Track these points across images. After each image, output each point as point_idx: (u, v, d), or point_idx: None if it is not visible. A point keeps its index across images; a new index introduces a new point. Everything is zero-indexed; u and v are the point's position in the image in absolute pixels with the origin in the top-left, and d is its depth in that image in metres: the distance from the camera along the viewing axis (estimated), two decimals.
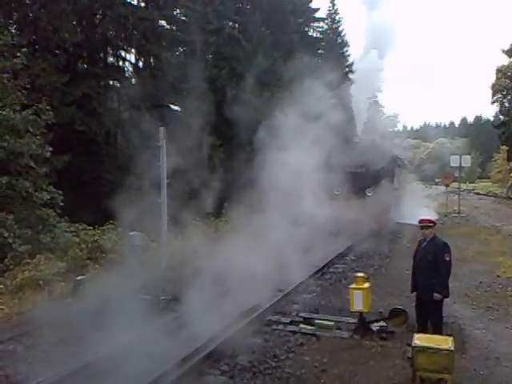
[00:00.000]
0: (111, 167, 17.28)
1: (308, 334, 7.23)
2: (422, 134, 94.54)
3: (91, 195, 15.35)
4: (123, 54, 20.56)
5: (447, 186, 28.59)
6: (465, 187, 49.79)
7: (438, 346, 5.22)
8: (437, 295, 6.24)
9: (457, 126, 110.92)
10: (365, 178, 17.68)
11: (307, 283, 10.35)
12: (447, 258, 6.29)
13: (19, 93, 12.28)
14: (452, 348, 5.21)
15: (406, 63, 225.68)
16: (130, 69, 21.05)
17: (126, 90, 18.25)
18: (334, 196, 16.92)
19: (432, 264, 6.33)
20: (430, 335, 5.61)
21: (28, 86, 12.76)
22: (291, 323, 7.74)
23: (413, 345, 5.34)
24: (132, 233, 11.11)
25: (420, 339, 5.41)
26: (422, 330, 6.19)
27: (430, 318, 6.43)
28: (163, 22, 21.20)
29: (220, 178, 14.46)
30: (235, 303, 8.00)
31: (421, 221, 6.59)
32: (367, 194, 17.73)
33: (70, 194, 12.92)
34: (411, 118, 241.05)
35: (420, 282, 6.52)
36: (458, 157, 26.54)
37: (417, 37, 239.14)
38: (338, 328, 7.43)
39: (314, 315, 8.04)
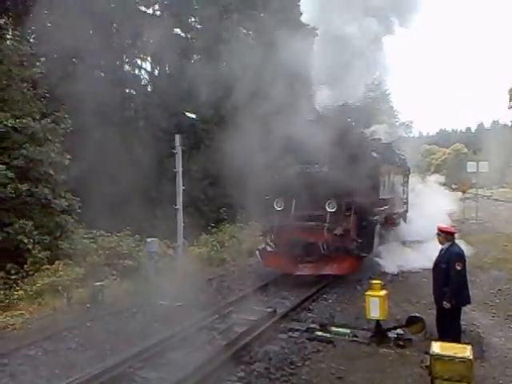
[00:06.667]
0: (128, 174, 17.49)
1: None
2: (437, 139, 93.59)
3: (108, 202, 15.56)
4: (139, 62, 20.90)
5: (464, 192, 28.26)
6: (482, 193, 49.10)
7: (456, 355, 5.16)
8: (445, 303, 6.24)
9: (473, 131, 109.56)
10: (325, 183, 10.60)
11: None
12: (458, 268, 6.24)
13: (38, 102, 12.55)
14: (470, 356, 5.15)
15: (421, 69, 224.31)
16: (146, 77, 21.35)
17: (142, 98, 18.50)
18: (273, 213, 11.38)
19: (445, 272, 6.32)
20: (448, 343, 5.56)
21: (47, 95, 13.03)
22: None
23: (431, 353, 5.29)
24: (149, 239, 11.23)
25: (438, 347, 5.36)
26: (442, 337, 6.14)
27: (448, 326, 6.39)
28: (178, 30, 21.48)
29: None
30: None
31: (437, 228, 6.62)
32: (328, 209, 10.76)
33: (87, 201, 13.10)
34: (427, 124, 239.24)
35: (435, 289, 6.53)
36: (475, 163, 26.25)
37: (432, 42, 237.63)
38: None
39: None
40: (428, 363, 5.37)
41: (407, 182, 18.06)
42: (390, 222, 14.13)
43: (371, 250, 11.36)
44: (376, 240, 11.59)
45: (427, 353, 5.50)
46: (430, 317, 7.10)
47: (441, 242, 6.54)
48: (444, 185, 25.35)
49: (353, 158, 10.75)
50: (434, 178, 25.28)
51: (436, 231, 6.62)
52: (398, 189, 15.88)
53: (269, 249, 11.35)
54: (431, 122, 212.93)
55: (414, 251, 13.31)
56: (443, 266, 6.36)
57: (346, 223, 10.78)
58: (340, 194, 10.78)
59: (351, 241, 10.75)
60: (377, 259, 12.06)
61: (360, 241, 10.90)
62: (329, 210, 10.76)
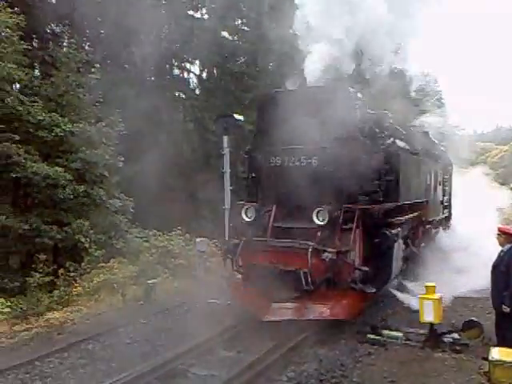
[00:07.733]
0: (177, 175, 17.88)
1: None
2: (493, 137, 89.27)
3: (159, 202, 15.98)
4: (188, 65, 21.32)
5: None
6: None
7: None
8: (505, 307, 5.95)
9: None
10: (313, 182, 7.33)
11: None
12: None
13: (94, 106, 13.09)
14: None
15: (474, 64, 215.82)
16: (195, 80, 21.74)
17: (191, 101, 18.86)
18: (240, 225, 8.21)
19: (505, 275, 6.04)
20: (508, 349, 5.32)
21: (101, 100, 13.57)
22: None
23: (490, 359, 5.10)
24: (198, 239, 11.45)
25: (498, 353, 5.17)
26: (501, 343, 5.88)
27: (508, 331, 6.11)
28: (225, 33, 21.73)
29: None
30: None
31: (497, 229, 6.36)
32: (317, 220, 7.30)
33: (139, 202, 13.52)
34: (482, 121, 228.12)
35: (493, 293, 6.26)
36: None
37: (488, 36, 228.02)
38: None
39: None
40: (486, 369, 5.19)
41: (449, 180, 14.36)
42: (421, 234, 10.64)
43: (386, 282, 7.81)
44: (395, 265, 7.88)
45: (485, 358, 5.31)
46: (488, 322, 6.83)
47: (501, 244, 6.26)
48: (492, 179, 22.57)
49: (359, 146, 7.60)
50: (480, 170, 20.83)
51: (496, 232, 6.35)
52: (436, 189, 12.13)
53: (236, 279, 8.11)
54: (486, 119, 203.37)
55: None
56: (503, 269, 6.07)
57: (343, 241, 7.14)
58: (336, 198, 7.43)
59: (351, 269, 7.10)
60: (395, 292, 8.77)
61: (366, 269, 7.26)
62: (318, 222, 7.28)
